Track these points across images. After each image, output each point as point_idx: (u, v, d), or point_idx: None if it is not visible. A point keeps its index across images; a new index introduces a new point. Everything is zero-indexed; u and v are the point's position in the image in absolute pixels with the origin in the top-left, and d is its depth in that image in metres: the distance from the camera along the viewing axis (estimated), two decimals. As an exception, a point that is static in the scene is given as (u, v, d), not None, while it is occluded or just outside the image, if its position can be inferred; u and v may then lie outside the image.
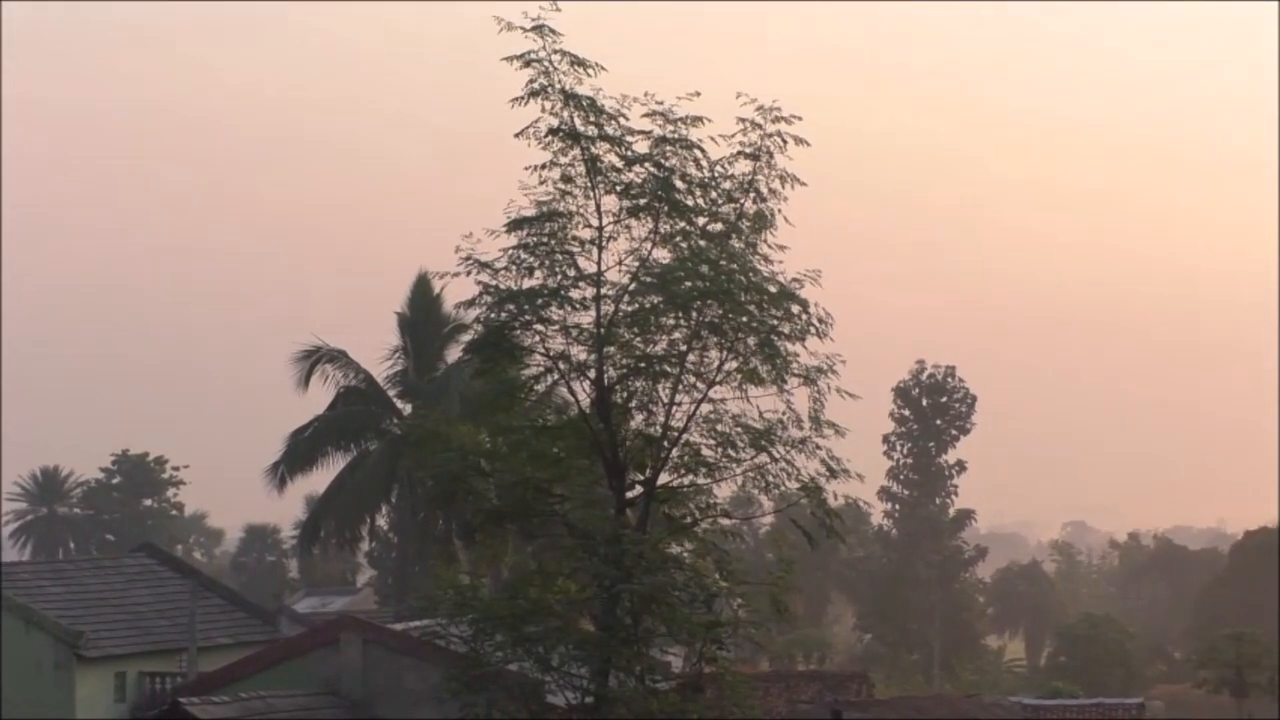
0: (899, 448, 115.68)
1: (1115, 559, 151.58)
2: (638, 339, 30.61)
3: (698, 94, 30.26)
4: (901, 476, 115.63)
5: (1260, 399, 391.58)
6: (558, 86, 29.89)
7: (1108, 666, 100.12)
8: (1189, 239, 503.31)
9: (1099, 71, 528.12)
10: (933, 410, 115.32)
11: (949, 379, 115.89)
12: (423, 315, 64.73)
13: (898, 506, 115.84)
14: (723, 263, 30.12)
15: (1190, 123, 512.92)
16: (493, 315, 30.80)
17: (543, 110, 30.08)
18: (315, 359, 63.17)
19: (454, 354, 63.35)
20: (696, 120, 30.18)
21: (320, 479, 65.37)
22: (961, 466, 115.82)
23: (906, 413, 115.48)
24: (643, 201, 30.28)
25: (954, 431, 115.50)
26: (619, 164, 30.27)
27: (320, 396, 64.05)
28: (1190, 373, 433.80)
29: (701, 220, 30.69)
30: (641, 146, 30.26)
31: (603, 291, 30.47)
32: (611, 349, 30.54)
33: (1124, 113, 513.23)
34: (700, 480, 31.36)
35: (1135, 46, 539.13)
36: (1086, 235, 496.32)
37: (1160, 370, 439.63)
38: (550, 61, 29.82)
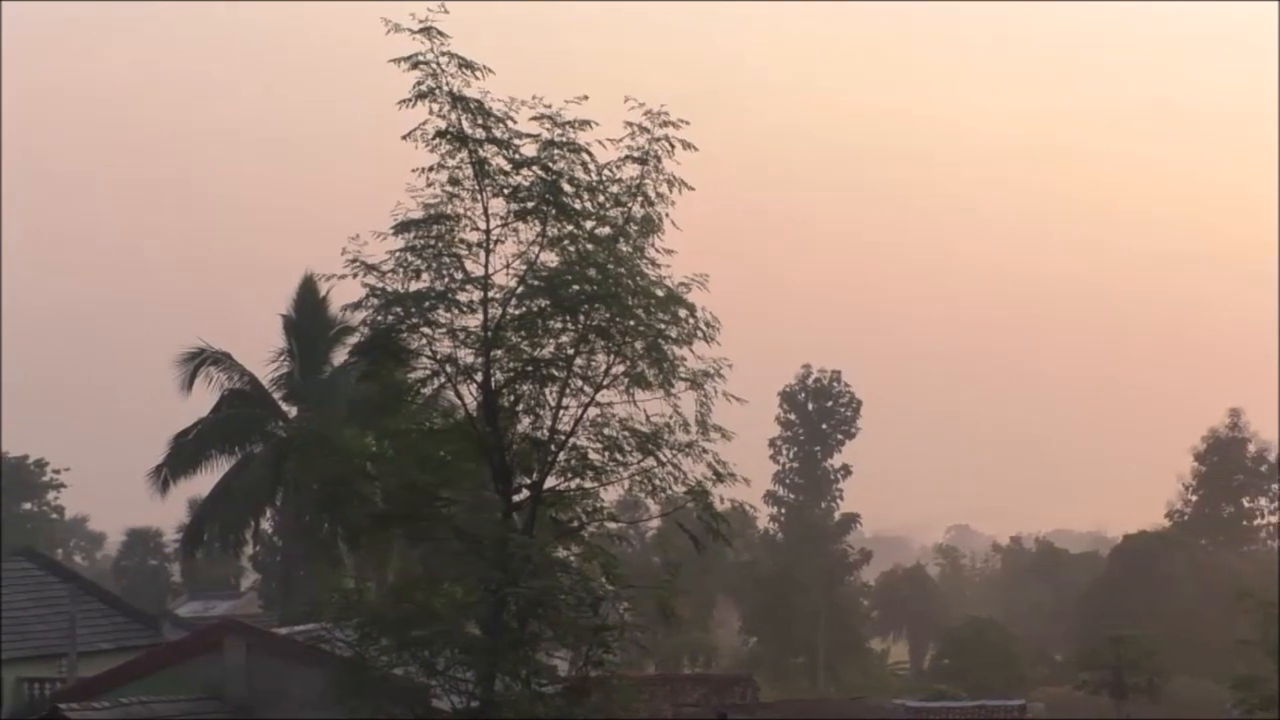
0: (785, 452, 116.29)
1: (998, 562, 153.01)
2: (525, 342, 30.59)
3: (585, 98, 30.29)
4: (787, 480, 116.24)
5: (1138, 404, 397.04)
6: (445, 89, 29.82)
7: (990, 669, 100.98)
8: (1066, 239, 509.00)
9: (956, 71, 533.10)
10: (818, 414, 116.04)
11: (835, 383, 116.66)
12: (309, 318, 64.34)
13: (783, 510, 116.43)
14: (610, 266, 30.15)
15: (1059, 129, 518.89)
16: (379, 318, 30.67)
17: (430, 112, 30.02)
18: (199, 361, 62.66)
19: (340, 357, 63.01)
20: (584, 124, 30.20)
21: (204, 482, 64.86)
22: (847, 470, 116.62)
23: (793, 417, 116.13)
24: (530, 205, 30.27)
25: (839, 436, 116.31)
26: (507, 167, 30.24)
27: (204, 399, 63.55)
28: (1072, 377, 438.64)
29: (589, 224, 30.69)
30: (530, 150, 30.24)
31: (490, 295, 30.42)
32: (499, 352, 30.50)
33: (993, 115, 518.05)
34: (587, 484, 31.37)
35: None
36: (966, 237, 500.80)
37: (1042, 374, 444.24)
38: (438, 64, 29.75)
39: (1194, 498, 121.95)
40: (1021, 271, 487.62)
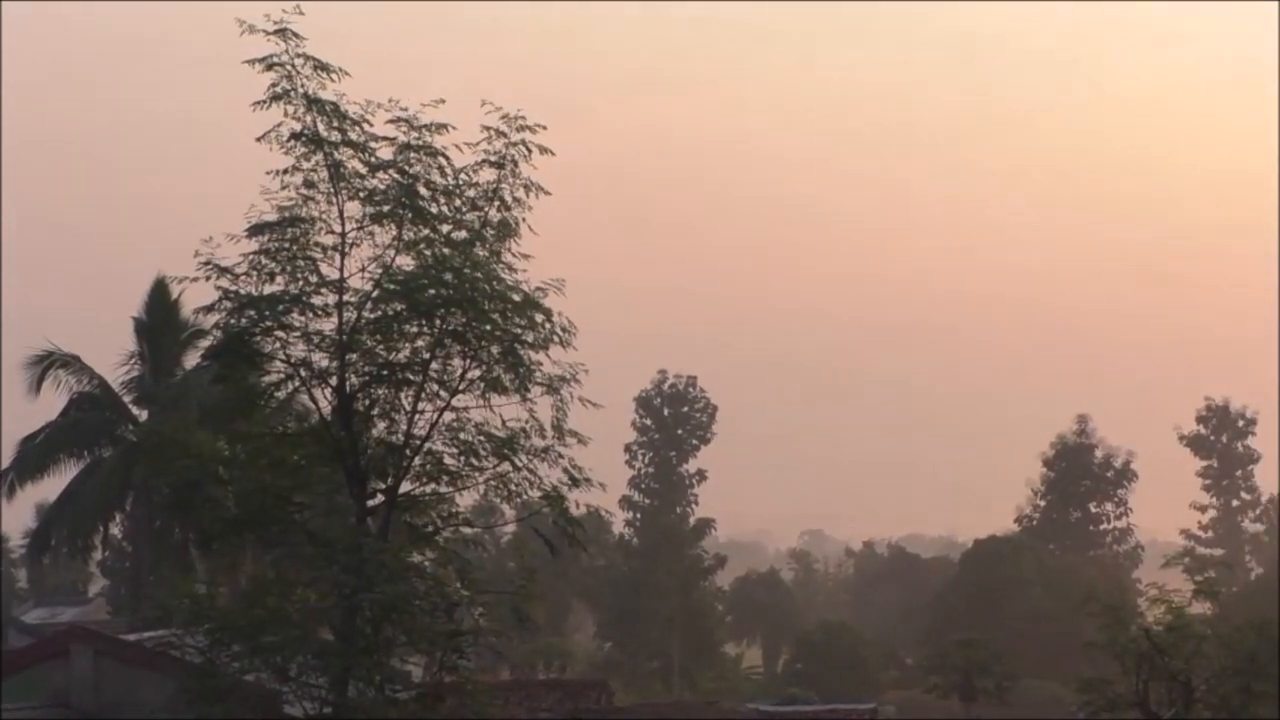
0: (641, 457, 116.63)
1: (851, 567, 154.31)
2: (380, 346, 30.44)
3: (442, 101, 30.24)
4: (643, 485, 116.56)
5: (990, 411, 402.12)
6: (300, 91, 29.62)
7: (842, 672, 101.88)
8: (923, 248, 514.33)
9: (824, 75, 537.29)
10: (674, 420, 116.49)
11: (690, 389, 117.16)
12: (160, 321, 63.47)
13: (639, 515, 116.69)
14: (467, 271, 30.09)
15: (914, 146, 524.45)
16: (232, 321, 30.38)
17: (285, 114, 29.80)
18: (47, 364, 61.64)
19: (192, 360, 62.26)
20: (441, 127, 30.14)
21: (52, 487, 63.83)
22: (702, 476, 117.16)
23: (648, 422, 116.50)
24: (386, 208, 30.14)
25: (695, 441, 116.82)
26: (363, 170, 30.10)
27: (53, 403, 62.53)
28: (924, 384, 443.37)
29: (446, 228, 30.62)
30: (386, 153, 30.14)
31: (345, 298, 30.25)
32: (354, 356, 30.33)
33: (847, 121, 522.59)
34: (442, 489, 31.30)
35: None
36: (823, 244, 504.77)
37: (896, 381, 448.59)
38: (293, 65, 29.55)
39: (1042, 503, 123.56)
40: (876, 279, 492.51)
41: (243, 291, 30.09)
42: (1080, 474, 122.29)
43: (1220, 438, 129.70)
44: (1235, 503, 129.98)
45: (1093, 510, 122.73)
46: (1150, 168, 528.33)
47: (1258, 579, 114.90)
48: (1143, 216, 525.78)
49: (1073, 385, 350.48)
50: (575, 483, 30.99)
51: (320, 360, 30.43)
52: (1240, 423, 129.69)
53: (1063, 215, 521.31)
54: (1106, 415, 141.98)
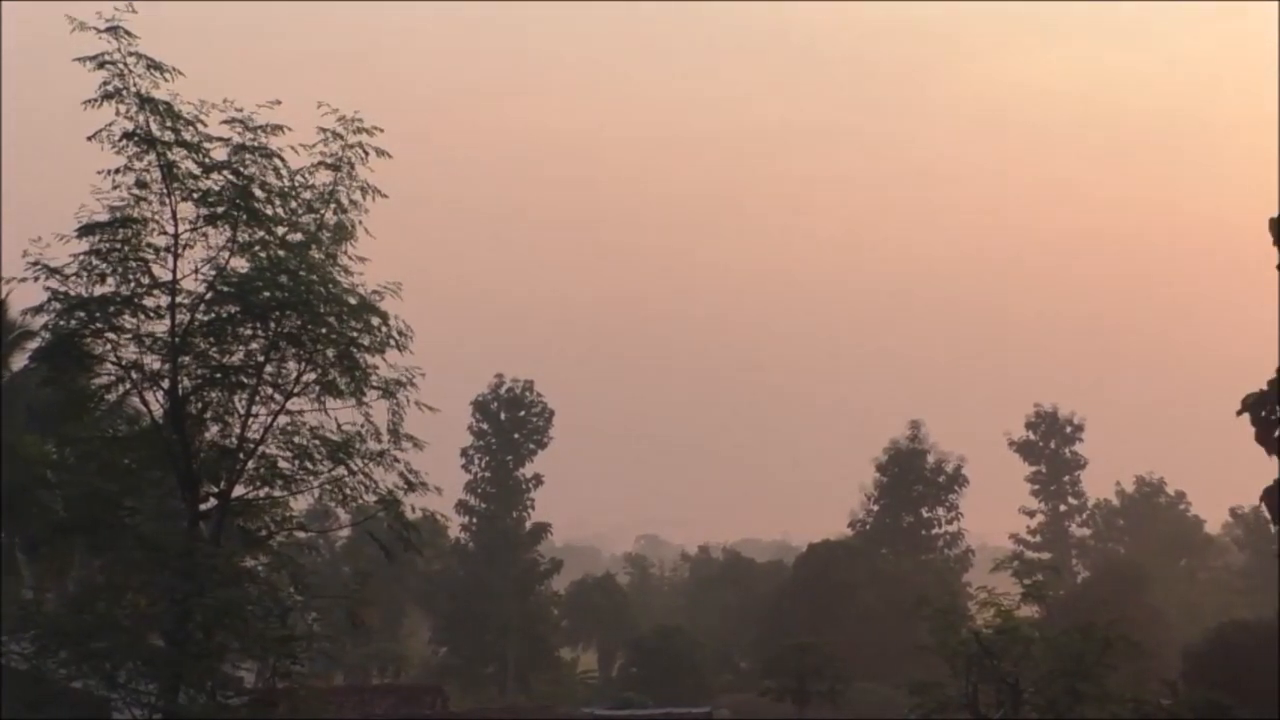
0: (477, 461, 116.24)
1: (686, 571, 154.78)
2: (214, 349, 30.16)
3: (278, 102, 30.01)
4: (479, 490, 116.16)
5: (824, 416, 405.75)
6: (133, 90, 29.25)
7: (678, 676, 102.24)
8: (759, 251, 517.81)
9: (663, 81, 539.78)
10: (511, 424, 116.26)
11: (527, 393, 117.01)
12: (-14, 322, 62.27)
13: (475, 520, 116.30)
14: (302, 273, 29.91)
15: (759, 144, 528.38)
16: (62, 322, 29.95)
17: (118, 113, 29.42)
18: None
19: (20, 362, 61.17)
20: (277, 128, 29.92)
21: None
22: (538, 480, 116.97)
23: (485, 426, 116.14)
24: (220, 209, 29.87)
25: (531, 445, 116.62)
26: (196, 171, 29.80)
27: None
28: (760, 389, 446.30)
29: (281, 230, 30.41)
30: (220, 153, 29.86)
31: (178, 300, 29.94)
32: (186, 359, 30.03)
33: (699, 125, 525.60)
34: (276, 493, 31.07)
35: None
36: (663, 248, 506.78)
37: (730, 386, 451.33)
38: (125, 64, 29.17)
39: (875, 507, 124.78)
40: (710, 284, 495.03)
41: (72, 292, 29.69)
42: (913, 479, 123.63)
43: (1049, 444, 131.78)
44: (1063, 507, 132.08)
45: (925, 515, 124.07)
46: (968, 175, 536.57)
47: (1084, 582, 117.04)
48: (971, 224, 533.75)
49: (906, 391, 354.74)
50: (411, 487, 30.92)
51: (152, 363, 30.10)
52: (1068, 429, 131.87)
53: (892, 223, 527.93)
54: (939, 421, 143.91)
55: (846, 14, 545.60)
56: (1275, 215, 49.47)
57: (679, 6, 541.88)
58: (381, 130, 30.66)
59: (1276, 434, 48.92)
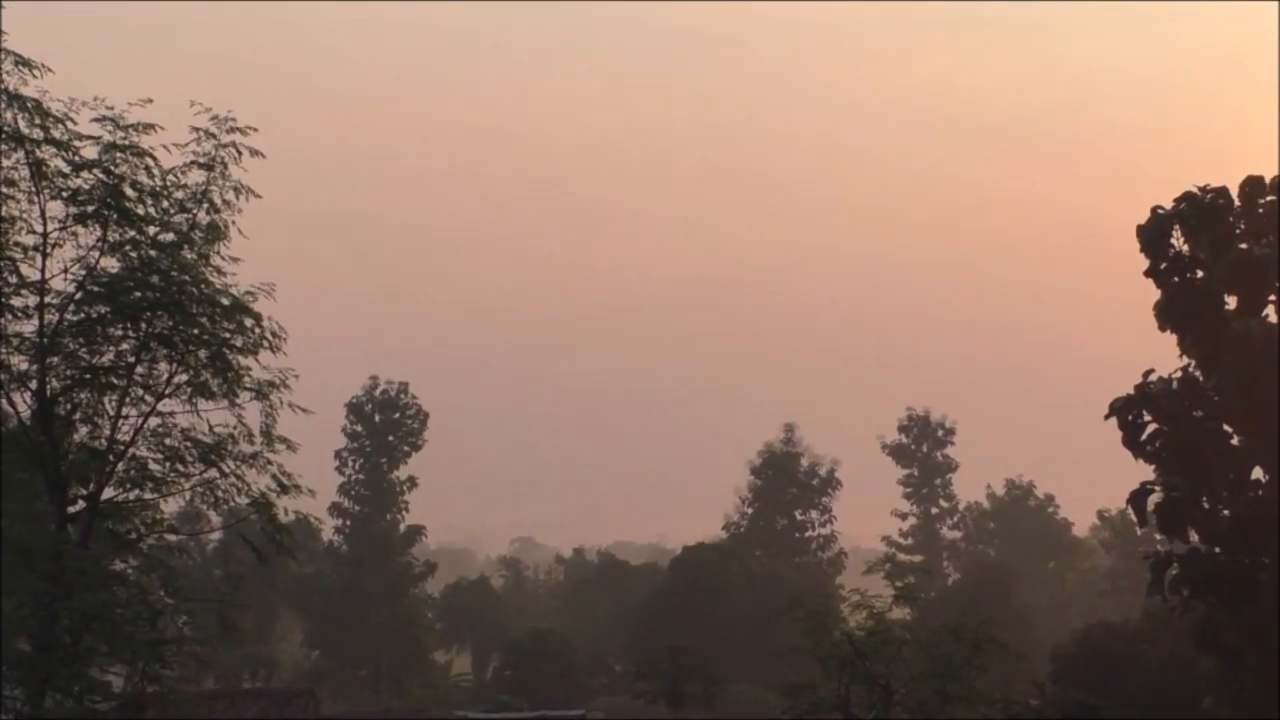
0: (351, 463, 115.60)
1: (561, 574, 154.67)
2: (83, 350, 29.84)
3: (150, 101, 29.73)
4: (353, 492, 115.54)
5: (699, 419, 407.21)
6: (0, 86, 28.88)
7: (552, 679, 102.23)
8: (628, 254, 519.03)
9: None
10: (385, 426, 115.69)
11: (402, 395, 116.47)
12: None
13: (349, 522, 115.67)
14: (174, 274, 29.66)
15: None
16: (-77, 322, 29.51)
17: (-16, 111, 29.02)
18: None
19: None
20: (149, 127, 29.64)
21: None
22: (413, 482, 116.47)
23: (359, 429, 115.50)
24: (90, 208, 29.55)
25: (406, 448, 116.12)
26: (66, 169, 29.45)
27: None
28: (634, 391, 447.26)
29: (153, 230, 30.14)
30: (91, 152, 29.54)
31: (47, 300, 29.58)
32: (55, 359, 29.68)
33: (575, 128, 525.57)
34: (147, 495, 30.78)
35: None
36: (533, 248, 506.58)
37: (606, 388, 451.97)
38: (-8, 60, 28.80)
39: (750, 510, 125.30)
40: (589, 285, 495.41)
41: (-65, 292, 29.26)
42: (787, 482, 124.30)
43: (921, 447, 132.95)
44: (934, 510, 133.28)
45: (798, 517, 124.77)
46: (847, 176, 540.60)
47: (955, 584, 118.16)
48: (847, 226, 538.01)
49: (781, 394, 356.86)
50: (284, 489, 30.75)
51: (19, 363, 29.74)
52: (940, 432, 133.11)
53: (771, 224, 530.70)
54: (813, 424, 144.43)
55: (731, 12, 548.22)
56: (1143, 222, 50.35)
57: (558, 6, 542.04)
58: (255, 130, 30.47)
59: (1143, 438, 49.85)
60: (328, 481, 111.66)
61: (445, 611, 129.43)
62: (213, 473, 30.57)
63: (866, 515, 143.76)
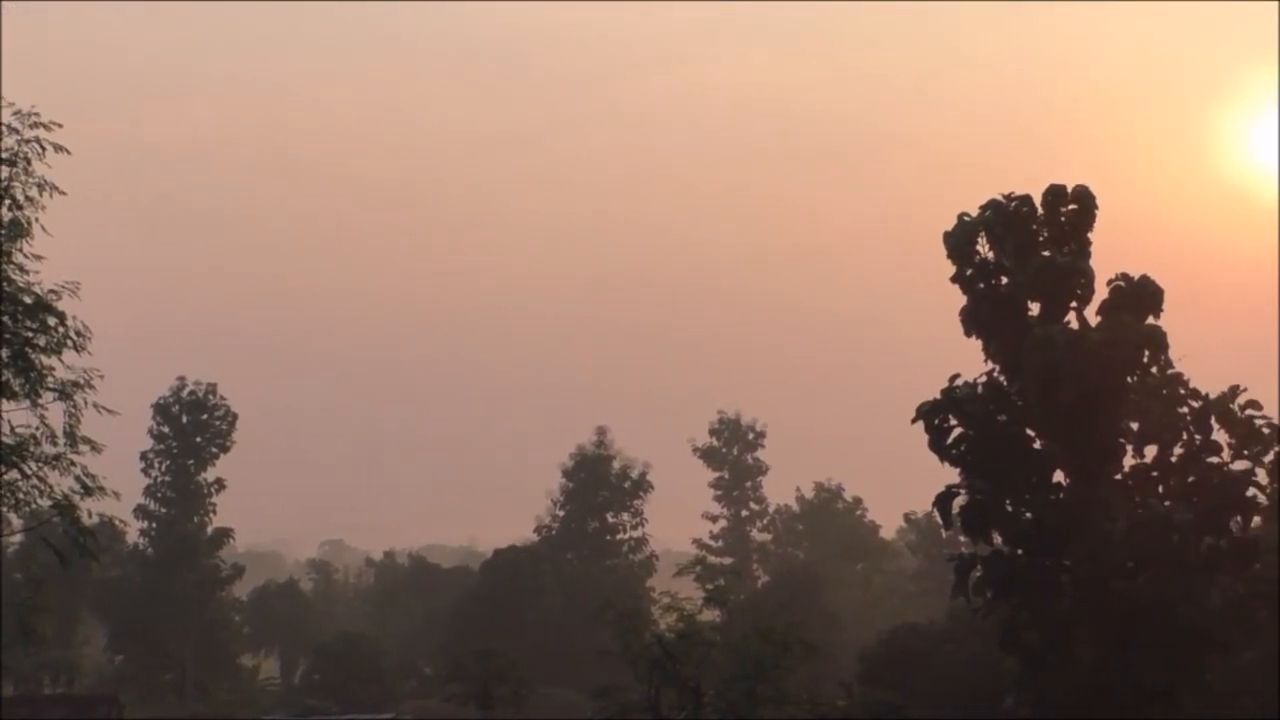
0: (157, 465, 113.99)
1: (371, 577, 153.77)
2: (-122, 349, 29.12)
3: (-49, 94, 29.12)
4: (159, 494, 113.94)
5: (512, 421, 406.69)
6: None
7: (362, 683, 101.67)
8: (453, 253, 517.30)
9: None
10: (192, 427, 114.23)
11: (210, 396, 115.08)
12: None
13: (155, 525, 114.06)
14: (-26, 271, 29.04)
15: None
16: None
17: None
18: None
19: None
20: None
21: None
22: (221, 484, 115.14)
23: (166, 429, 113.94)
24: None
25: (214, 449, 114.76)
26: None
27: None
28: (448, 393, 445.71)
29: (-48, 226, 29.48)
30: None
31: None
32: None
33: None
34: (-58, 497, 30.10)
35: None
36: (338, 249, 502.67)
37: (417, 389, 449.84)
38: None
39: (562, 513, 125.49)
40: (394, 288, 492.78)
41: None
42: (598, 484, 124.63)
43: (731, 450, 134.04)
44: (745, 513, 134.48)
45: (610, 520, 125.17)
46: (654, 183, 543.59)
47: (764, 586, 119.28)
48: (655, 232, 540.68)
49: (594, 397, 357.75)
50: (88, 491, 30.25)
51: None
52: (750, 435, 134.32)
53: (575, 233, 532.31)
54: (625, 427, 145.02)
55: (526, 16, 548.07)
56: (949, 229, 51.18)
57: (362, 6, 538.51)
58: (60, 125, 29.95)
59: (949, 441, 50.68)
60: (133, 483, 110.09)
61: (253, 615, 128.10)
62: (14, 474, 29.99)
63: (678, 518, 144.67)
